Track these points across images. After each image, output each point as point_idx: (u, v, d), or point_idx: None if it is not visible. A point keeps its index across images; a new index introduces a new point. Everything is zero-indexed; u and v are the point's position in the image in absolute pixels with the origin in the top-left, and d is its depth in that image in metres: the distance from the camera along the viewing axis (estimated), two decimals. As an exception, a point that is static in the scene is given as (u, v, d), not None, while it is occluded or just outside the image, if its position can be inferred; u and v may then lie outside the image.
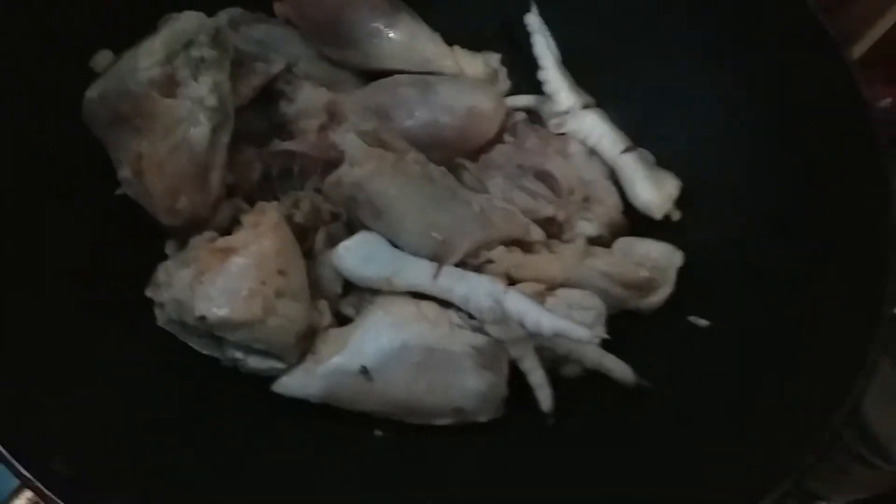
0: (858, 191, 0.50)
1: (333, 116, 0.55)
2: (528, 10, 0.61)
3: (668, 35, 0.59)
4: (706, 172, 0.57)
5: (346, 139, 0.52)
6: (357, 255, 0.50)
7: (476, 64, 0.62)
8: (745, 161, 0.56)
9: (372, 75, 0.60)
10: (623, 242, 0.55)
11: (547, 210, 0.56)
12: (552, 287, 0.52)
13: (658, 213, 0.57)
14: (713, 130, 0.58)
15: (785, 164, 0.54)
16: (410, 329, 0.48)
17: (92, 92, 0.49)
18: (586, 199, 0.56)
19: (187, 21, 0.49)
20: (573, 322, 0.46)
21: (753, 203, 0.54)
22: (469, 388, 0.48)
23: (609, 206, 0.56)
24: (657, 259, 0.53)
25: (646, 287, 0.52)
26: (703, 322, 0.51)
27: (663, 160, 0.59)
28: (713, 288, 0.53)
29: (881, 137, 0.49)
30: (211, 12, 0.57)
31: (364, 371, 0.47)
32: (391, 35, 0.59)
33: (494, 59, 0.63)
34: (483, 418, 0.49)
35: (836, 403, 0.43)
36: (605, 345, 0.49)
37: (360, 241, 0.51)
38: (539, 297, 0.51)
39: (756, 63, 0.56)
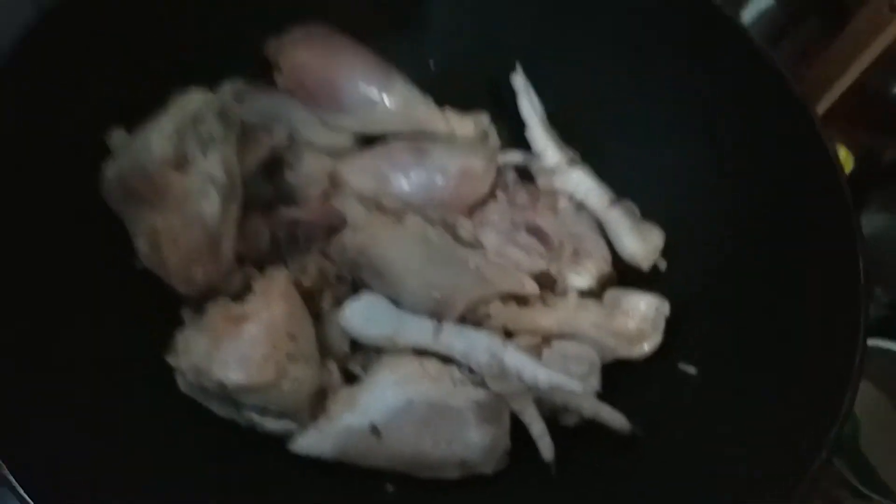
0: (829, 239, 0.53)
1: (334, 183, 0.59)
2: (513, 68, 0.65)
3: (647, 95, 0.63)
4: (688, 223, 0.60)
5: (348, 205, 0.55)
6: (361, 316, 0.53)
7: (467, 124, 0.65)
8: (724, 212, 0.59)
9: (369, 138, 0.63)
10: (612, 294, 0.57)
11: (539, 264, 0.58)
12: (548, 338, 0.55)
13: (645, 264, 0.60)
14: (692, 183, 0.61)
15: (761, 215, 0.57)
16: (414, 386, 0.51)
17: (109, 170, 0.52)
18: (576, 253, 0.59)
19: (194, 99, 0.53)
20: (567, 377, 0.49)
21: (734, 251, 0.57)
22: (473, 441, 0.50)
23: (598, 258, 0.59)
24: (645, 310, 0.55)
25: (636, 337, 0.55)
26: (692, 370, 0.54)
27: (646, 212, 0.62)
28: (701, 335, 0.56)
29: (845, 188, 0.53)
30: (215, 84, 0.61)
31: (374, 429, 0.50)
32: (386, 101, 0.62)
33: (484, 118, 0.66)
34: (488, 470, 0.51)
35: (822, 437, 0.45)
36: (600, 395, 0.52)
37: (364, 303, 0.53)
38: (536, 350, 0.54)
39: (730, 121, 0.59)
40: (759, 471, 0.48)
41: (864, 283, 0.49)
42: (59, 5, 0.53)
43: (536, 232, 0.61)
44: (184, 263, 0.50)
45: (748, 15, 0.82)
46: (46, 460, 0.43)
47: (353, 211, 0.55)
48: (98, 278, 0.52)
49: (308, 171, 0.58)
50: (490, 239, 0.60)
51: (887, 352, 0.68)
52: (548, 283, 0.59)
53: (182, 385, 0.51)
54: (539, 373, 0.49)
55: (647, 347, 0.56)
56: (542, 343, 0.55)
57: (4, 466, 0.41)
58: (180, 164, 0.51)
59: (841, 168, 0.52)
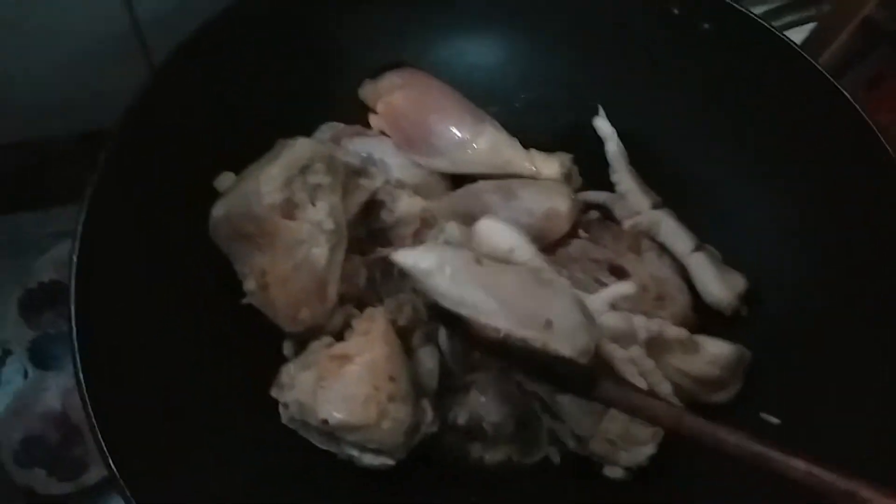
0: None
1: (426, 223, 0.61)
2: (595, 113, 0.67)
3: (731, 140, 0.64)
4: (771, 270, 0.61)
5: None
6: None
7: (551, 165, 0.67)
8: (809, 258, 0.60)
9: (458, 178, 0.66)
10: (696, 338, 0.58)
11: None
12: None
13: (728, 310, 0.61)
14: (777, 230, 0.62)
15: (845, 262, 0.59)
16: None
17: (218, 211, 0.56)
18: (659, 298, 0.61)
19: (302, 148, 0.55)
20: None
21: (820, 301, 0.58)
22: (564, 309, 0.50)
23: (681, 303, 0.61)
24: (727, 358, 0.57)
25: (717, 384, 0.57)
26: (774, 420, 0.55)
27: (729, 258, 0.63)
28: (784, 384, 0.57)
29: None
30: (313, 128, 0.64)
31: (478, 259, 0.51)
32: (475, 145, 0.64)
33: (567, 158, 0.68)
34: (567, 351, 0.48)
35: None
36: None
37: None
38: None
39: (817, 170, 0.60)
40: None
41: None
42: (167, 62, 0.57)
43: (618, 272, 0.63)
44: (292, 305, 0.53)
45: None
46: (162, 486, 0.46)
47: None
48: (207, 313, 0.56)
49: (403, 212, 0.60)
50: (571, 276, 0.62)
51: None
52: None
53: (284, 417, 0.54)
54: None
55: (724, 395, 0.57)
56: None
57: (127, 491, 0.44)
58: (289, 210, 0.54)
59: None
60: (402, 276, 0.59)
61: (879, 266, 0.57)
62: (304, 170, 0.55)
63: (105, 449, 0.43)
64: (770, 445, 0.42)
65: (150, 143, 0.56)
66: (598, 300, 0.55)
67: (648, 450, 0.55)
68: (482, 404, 0.57)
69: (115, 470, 0.42)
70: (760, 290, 0.62)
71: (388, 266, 0.59)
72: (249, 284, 0.55)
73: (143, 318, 0.52)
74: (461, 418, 0.57)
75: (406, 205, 0.60)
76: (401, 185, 0.63)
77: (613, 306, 0.55)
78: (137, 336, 0.51)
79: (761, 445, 0.42)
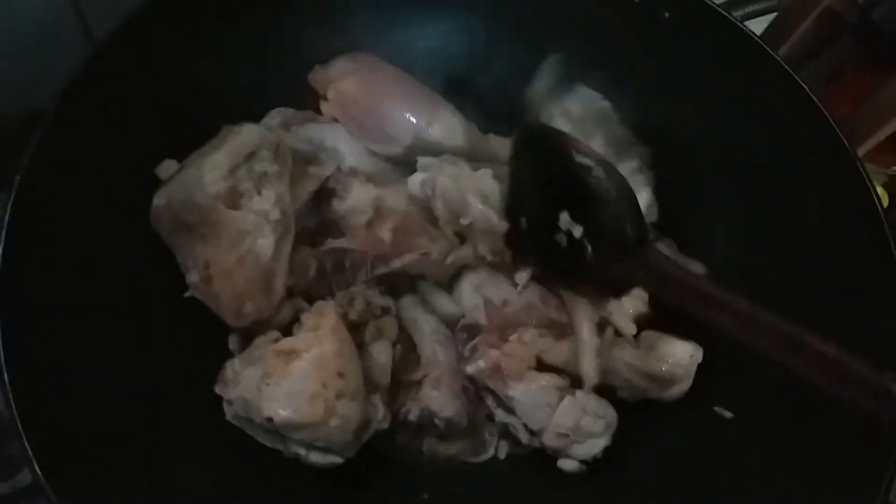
0: (873, 279, 0.54)
1: (379, 212, 0.59)
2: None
3: (687, 126, 0.64)
4: (729, 265, 0.60)
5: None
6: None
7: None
8: (763, 248, 0.60)
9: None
10: (648, 336, 0.58)
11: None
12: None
13: None
14: (730, 219, 0.62)
15: (801, 257, 0.58)
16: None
17: (159, 199, 0.53)
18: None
19: (248, 134, 0.53)
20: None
21: (775, 296, 0.57)
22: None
23: (636, 298, 0.59)
24: (679, 356, 0.56)
25: (667, 381, 0.56)
26: (728, 414, 0.55)
27: (684, 248, 0.62)
28: (741, 380, 0.56)
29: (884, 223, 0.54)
30: (262, 113, 0.62)
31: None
32: (431, 130, 0.62)
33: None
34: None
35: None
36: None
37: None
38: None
39: (773, 161, 0.60)
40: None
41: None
42: (109, 37, 0.55)
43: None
44: (236, 298, 0.51)
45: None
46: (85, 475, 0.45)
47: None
48: (147, 304, 0.54)
49: (355, 200, 0.58)
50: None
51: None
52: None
53: (228, 414, 0.52)
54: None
55: (676, 392, 0.56)
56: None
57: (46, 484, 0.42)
58: (233, 199, 0.52)
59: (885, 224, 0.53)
60: (354, 269, 0.58)
61: (835, 263, 0.56)
62: (251, 157, 0.53)
63: (31, 453, 0.41)
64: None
65: (87, 126, 0.53)
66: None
67: (603, 441, 0.55)
68: (434, 399, 0.56)
69: (40, 476, 0.40)
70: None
71: (340, 257, 0.58)
72: (192, 277, 0.52)
73: (77, 314, 0.49)
74: (413, 414, 0.56)
75: (358, 193, 0.58)
76: (353, 172, 0.61)
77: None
78: (69, 332, 0.48)
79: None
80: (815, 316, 0.54)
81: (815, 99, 0.57)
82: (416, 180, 0.58)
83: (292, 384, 0.49)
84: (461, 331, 0.58)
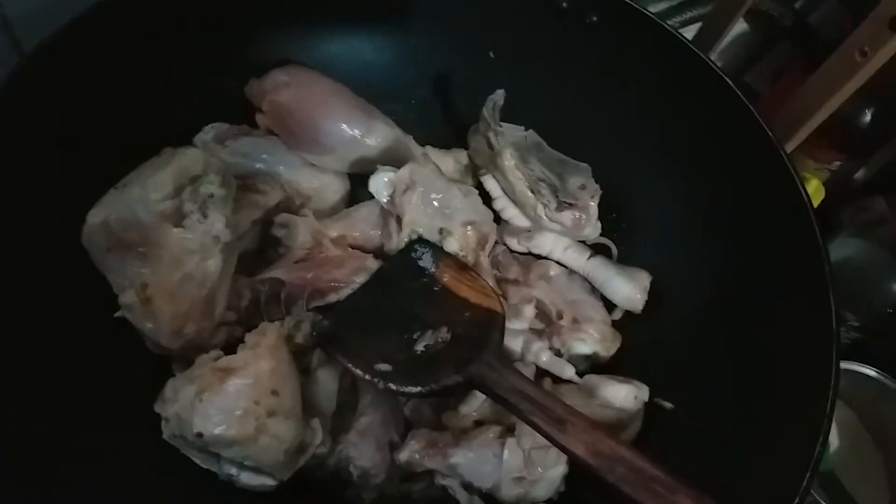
0: (803, 280, 0.55)
1: (319, 245, 0.60)
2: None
3: (620, 131, 0.66)
4: (665, 266, 0.62)
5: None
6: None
7: (447, 161, 0.66)
8: (701, 254, 0.62)
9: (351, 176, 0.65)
10: (590, 381, 0.58)
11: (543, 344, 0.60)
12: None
13: (639, 305, 0.62)
14: (664, 222, 0.64)
15: (735, 251, 0.60)
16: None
17: (94, 217, 0.52)
18: (576, 321, 0.61)
19: (194, 158, 0.54)
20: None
21: (711, 290, 0.60)
22: None
23: (598, 321, 0.61)
24: (623, 399, 0.56)
25: (615, 426, 0.55)
26: (668, 404, 0.56)
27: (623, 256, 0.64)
28: (680, 371, 0.57)
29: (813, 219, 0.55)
30: (197, 128, 0.61)
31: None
32: (367, 142, 0.63)
33: (462, 155, 0.68)
34: None
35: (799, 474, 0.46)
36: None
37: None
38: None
39: (706, 164, 0.62)
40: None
41: (835, 326, 0.51)
42: (40, 48, 0.53)
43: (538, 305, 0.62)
44: (177, 318, 0.51)
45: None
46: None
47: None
48: (82, 329, 0.52)
49: (295, 232, 0.59)
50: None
51: (857, 374, 0.71)
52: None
53: (166, 433, 0.51)
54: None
55: (626, 436, 0.56)
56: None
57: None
58: (177, 220, 0.52)
59: (813, 218, 0.54)
60: (290, 301, 0.57)
61: (766, 255, 0.58)
62: (195, 180, 0.53)
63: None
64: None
65: (12, 140, 0.52)
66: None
67: (561, 468, 0.53)
68: (354, 446, 0.54)
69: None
70: (659, 287, 0.62)
71: (277, 288, 0.58)
72: (127, 298, 0.51)
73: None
74: (331, 459, 0.55)
75: (300, 225, 0.59)
76: (297, 194, 0.61)
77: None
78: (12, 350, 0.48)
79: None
80: (749, 305, 0.57)
81: (745, 101, 0.58)
82: (379, 179, 0.59)
83: (225, 400, 0.49)
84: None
